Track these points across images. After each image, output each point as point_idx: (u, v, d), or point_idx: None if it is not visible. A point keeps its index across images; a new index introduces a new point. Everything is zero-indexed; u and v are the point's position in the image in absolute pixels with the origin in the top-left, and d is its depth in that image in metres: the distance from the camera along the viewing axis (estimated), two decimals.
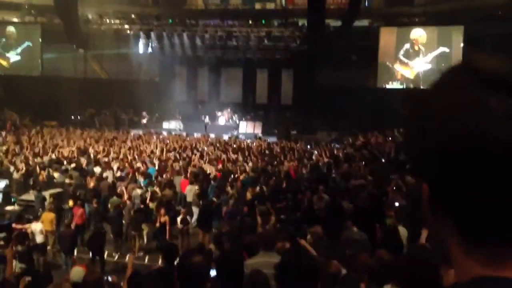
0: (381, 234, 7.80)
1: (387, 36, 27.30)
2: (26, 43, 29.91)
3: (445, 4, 26.00)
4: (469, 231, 0.67)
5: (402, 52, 26.85)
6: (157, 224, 11.14)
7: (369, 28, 28.30)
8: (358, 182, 11.69)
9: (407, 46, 26.80)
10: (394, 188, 10.31)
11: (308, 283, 3.84)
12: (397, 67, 27.00)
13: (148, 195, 12.48)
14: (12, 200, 13.02)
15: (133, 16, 30.18)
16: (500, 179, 0.62)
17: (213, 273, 5.31)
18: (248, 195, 12.06)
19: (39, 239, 10.12)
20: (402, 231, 7.44)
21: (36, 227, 10.17)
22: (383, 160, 15.94)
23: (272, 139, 24.26)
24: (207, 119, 27.47)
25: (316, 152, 19.34)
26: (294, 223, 9.06)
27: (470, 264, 0.68)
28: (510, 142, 0.61)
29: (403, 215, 7.93)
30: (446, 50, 25.52)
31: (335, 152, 19.15)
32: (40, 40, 29.96)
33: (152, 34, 29.33)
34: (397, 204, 9.14)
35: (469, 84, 0.65)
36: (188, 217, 11.35)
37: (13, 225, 10.38)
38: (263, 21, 29.01)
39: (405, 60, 26.78)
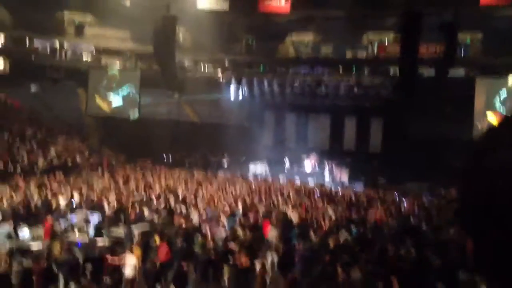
0: None
1: (481, 87, 26.19)
2: (129, 87, 31.82)
3: None
4: None
5: (498, 100, 25.59)
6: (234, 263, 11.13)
7: (465, 78, 27.30)
8: (448, 237, 11.05)
9: (503, 94, 25.53)
10: None
11: None
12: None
13: (231, 236, 12.55)
14: (103, 234, 13.61)
15: (226, 63, 31.42)
16: None
17: None
18: (331, 244, 11.77)
19: (128, 272, 10.48)
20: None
21: (129, 260, 10.56)
22: None
23: (358, 187, 23.72)
24: (287, 162, 27.66)
25: (405, 202, 18.58)
26: (379, 275, 8.70)
27: None
28: None
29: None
30: None
31: (426, 203, 18.32)
32: (139, 84, 31.73)
33: (244, 81, 30.28)
34: None
35: None
36: (269, 262, 11.22)
37: (108, 256, 10.85)
38: (354, 69, 28.98)
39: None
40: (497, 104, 25.70)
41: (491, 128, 0.65)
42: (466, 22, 25.43)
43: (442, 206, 17.44)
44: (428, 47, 27.18)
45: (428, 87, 25.79)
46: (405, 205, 17.99)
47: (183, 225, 13.67)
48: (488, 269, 0.61)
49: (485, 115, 26.05)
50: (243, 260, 11.01)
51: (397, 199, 19.78)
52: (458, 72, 27.46)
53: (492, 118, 25.77)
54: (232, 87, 30.81)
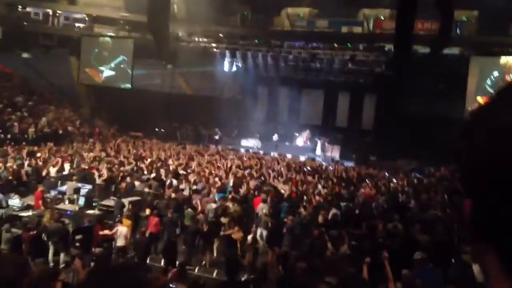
0: (454, 270, 7.39)
1: (475, 66, 26.17)
2: (121, 57, 31.44)
3: None
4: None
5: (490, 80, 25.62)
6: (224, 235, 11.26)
7: (459, 56, 27.22)
8: (435, 214, 11.18)
9: (495, 74, 25.55)
10: None
11: None
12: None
13: (221, 210, 12.65)
14: (93, 204, 13.66)
15: (220, 35, 31.10)
16: None
17: None
18: (320, 219, 11.89)
19: (121, 242, 10.59)
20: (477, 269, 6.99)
21: (122, 231, 10.66)
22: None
23: (349, 164, 23.85)
24: (279, 137, 27.81)
25: (394, 180, 18.73)
26: (365, 251, 8.82)
27: None
28: None
29: None
30: None
31: (415, 181, 18.48)
32: (132, 54, 31.36)
33: (238, 54, 30.07)
34: None
35: None
36: (258, 236, 11.37)
37: (98, 229, 10.92)
38: (349, 45, 28.80)
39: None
40: (489, 83, 25.71)
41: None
42: None
43: (431, 184, 17.59)
44: (424, 24, 27.01)
45: (422, 64, 25.72)
46: (395, 182, 18.14)
47: (174, 197, 13.75)
48: (486, 232, 0.61)
49: (476, 95, 26.11)
50: (233, 232, 11.13)
51: (386, 176, 19.94)
52: (453, 50, 27.36)
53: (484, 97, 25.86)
54: (226, 60, 30.60)
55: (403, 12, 24.18)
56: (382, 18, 30.14)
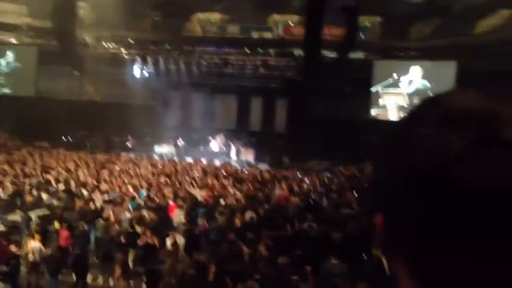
0: (366, 265, 7.74)
1: (379, 69, 27.71)
2: (22, 64, 29.94)
3: (440, 40, 26.42)
4: (417, 270, 0.64)
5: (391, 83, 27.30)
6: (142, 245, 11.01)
7: (363, 60, 28.62)
8: (347, 212, 11.65)
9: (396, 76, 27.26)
10: None
11: None
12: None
13: (136, 219, 12.34)
14: None
15: (130, 40, 30.42)
16: (446, 217, 0.59)
17: None
18: (237, 222, 11.97)
19: (32, 257, 10.03)
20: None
21: (32, 246, 10.09)
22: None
23: (263, 166, 24.21)
24: (193, 143, 27.69)
25: (307, 180, 19.27)
26: (283, 251, 9.00)
27: None
28: (461, 180, 0.58)
29: None
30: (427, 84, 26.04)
31: (326, 181, 19.12)
32: (36, 61, 29.90)
33: (149, 59, 29.54)
34: None
35: (434, 118, 0.63)
36: (177, 241, 11.21)
37: (3, 245, 10.25)
38: (260, 50, 29.30)
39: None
40: (392, 85, 27.31)
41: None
42: (366, 6, 26.53)
43: (341, 183, 18.29)
44: (331, 30, 28.10)
45: (330, 68, 26.74)
46: (307, 183, 18.65)
47: (85, 209, 13.23)
48: (398, 243, 0.66)
49: (380, 97, 27.63)
50: (150, 241, 10.90)
51: (299, 178, 20.46)
52: (358, 54, 28.71)
53: (388, 100, 27.40)
54: (137, 65, 29.96)
55: (311, 18, 25.05)
56: (292, 24, 30.98)
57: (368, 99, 27.76)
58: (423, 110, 0.66)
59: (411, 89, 26.94)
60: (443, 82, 24.44)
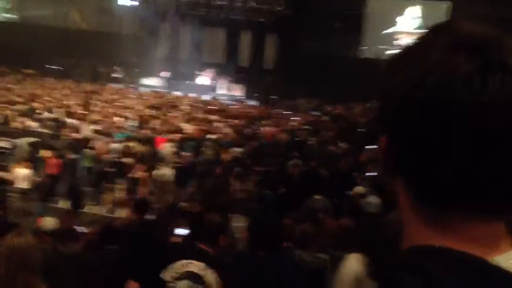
0: (348, 202, 8.04)
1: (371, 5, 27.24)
2: None
3: None
4: (419, 190, 0.69)
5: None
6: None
7: None
8: (333, 150, 11.87)
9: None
10: (369, 158, 10.53)
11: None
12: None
13: (124, 149, 12.45)
14: None
15: None
16: (449, 139, 0.63)
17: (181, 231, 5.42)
18: (224, 157, 12.14)
19: (21, 184, 10.09)
20: (374, 200, 7.69)
21: (21, 173, 10.12)
22: (359, 130, 16.13)
23: (252, 103, 24.24)
24: (182, 76, 27.59)
25: (294, 118, 19.43)
26: (269, 187, 9.23)
27: (418, 227, 0.70)
28: (465, 105, 0.62)
29: (377, 185, 8.11)
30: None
31: (313, 119, 19.29)
32: None
33: None
34: (370, 174, 9.37)
35: (443, 43, 0.67)
36: (165, 173, 11.36)
37: None
38: None
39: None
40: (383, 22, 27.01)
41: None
42: None
43: (328, 121, 18.48)
44: None
45: (320, 3, 26.16)
46: (294, 120, 18.81)
47: (72, 138, 13.27)
48: (397, 165, 0.71)
49: (371, 34, 27.33)
50: (139, 172, 11.07)
51: (286, 115, 20.60)
52: None
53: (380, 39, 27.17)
54: None
55: None
56: None
57: (359, 36, 27.48)
58: (434, 34, 0.70)
59: (405, 27, 26.67)
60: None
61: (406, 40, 26.00)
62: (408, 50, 0.72)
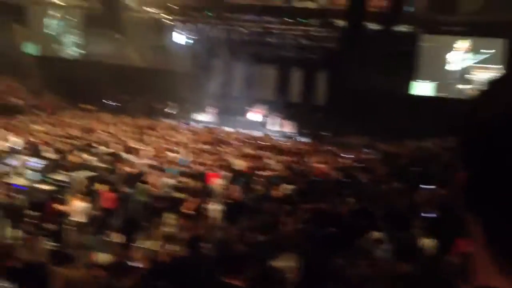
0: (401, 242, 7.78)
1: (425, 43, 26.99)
2: (69, 27, 30.38)
3: (491, 15, 25.42)
4: (498, 239, 0.64)
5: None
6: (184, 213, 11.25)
7: (409, 34, 27.87)
8: (386, 189, 11.60)
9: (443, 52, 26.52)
10: (423, 198, 10.22)
11: None
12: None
13: (176, 184, 12.63)
14: (44, 179, 13.30)
15: (173, 6, 30.45)
16: None
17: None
18: (275, 194, 12.09)
19: (78, 218, 10.38)
20: (429, 242, 7.42)
21: (77, 206, 10.43)
22: (414, 169, 15.73)
23: (303, 139, 24.19)
24: (233, 112, 27.85)
25: (346, 155, 19.19)
26: (317, 225, 9.08)
27: (487, 267, 0.65)
28: None
29: (433, 227, 7.84)
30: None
31: (366, 157, 19.00)
32: (81, 24, 30.34)
33: (190, 26, 29.58)
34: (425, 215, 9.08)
35: None
36: (216, 210, 11.41)
37: (52, 203, 10.65)
38: (301, 20, 28.89)
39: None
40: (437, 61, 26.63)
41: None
42: None
43: (381, 159, 18.14)
44: (375, 1, 27.39)
45: (373, 41, 26.17)
46: (346, 158, 18.58)
47: (126, 172, 13.59)
48: (476, 204, 0.66)
49: (424, 72, 26.98)
50: (191, 207, 11.15)
51: (338, 152, 20.38)
52: (403, 27, 27.97)
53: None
54: (178, 32, 30.08)
55: None
56: None
57: (411, 73, 27.17)
58: None
59: (456, 65, 26.23)
60: (490, 58, 23.74)
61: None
62: (492, 88, 0.68)
